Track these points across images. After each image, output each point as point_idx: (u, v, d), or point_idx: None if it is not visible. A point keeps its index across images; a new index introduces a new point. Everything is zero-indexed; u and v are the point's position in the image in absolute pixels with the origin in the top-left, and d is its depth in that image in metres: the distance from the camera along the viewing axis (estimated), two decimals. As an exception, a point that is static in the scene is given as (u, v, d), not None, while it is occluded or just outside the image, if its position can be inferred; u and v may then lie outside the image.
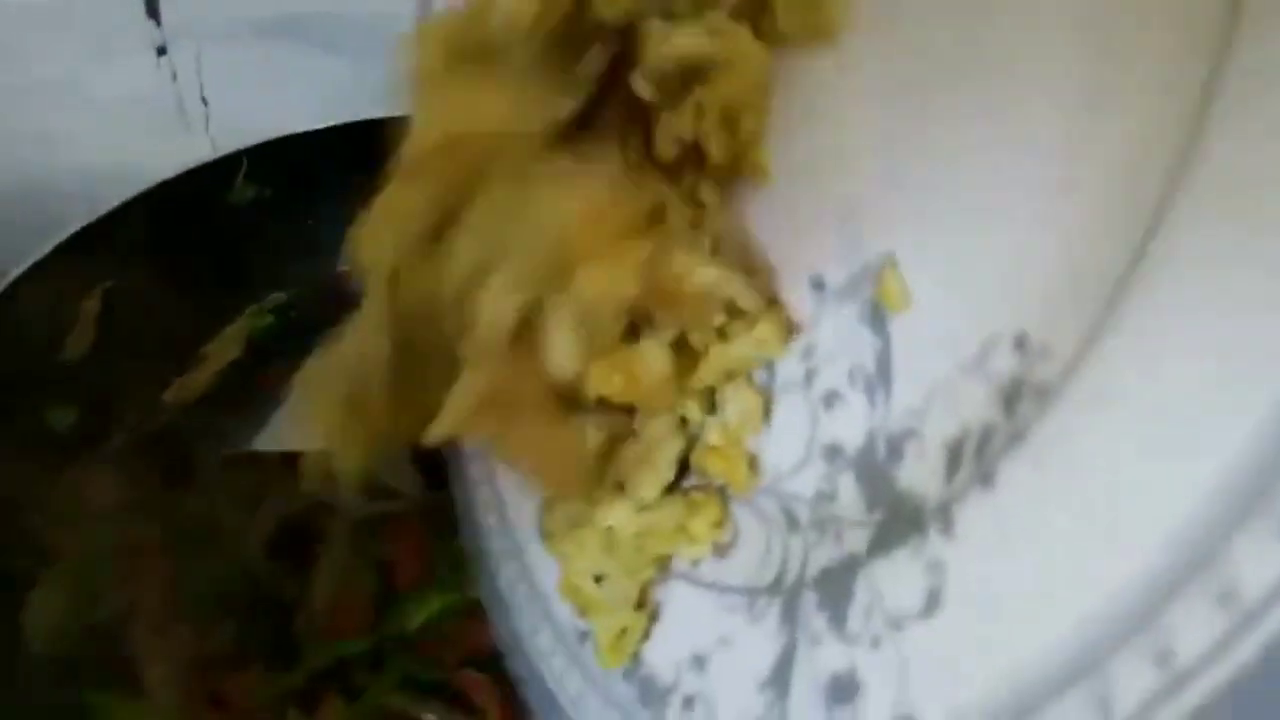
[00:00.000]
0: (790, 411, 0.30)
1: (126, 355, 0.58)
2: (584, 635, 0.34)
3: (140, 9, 0.76)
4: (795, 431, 0.29)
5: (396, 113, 0.59)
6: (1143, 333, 0.19)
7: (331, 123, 0.65)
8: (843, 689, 0.25)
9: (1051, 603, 0.20)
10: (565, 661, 0.35)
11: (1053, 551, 0.21)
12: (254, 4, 0.80)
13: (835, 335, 0.28)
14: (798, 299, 0.29)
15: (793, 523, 0.29)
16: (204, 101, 0.82)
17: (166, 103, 0.81)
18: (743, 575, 0.30)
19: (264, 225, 0.64)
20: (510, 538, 0.39)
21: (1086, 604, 0.19)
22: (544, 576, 0.37)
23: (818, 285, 0.28)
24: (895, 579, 0.25)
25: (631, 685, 0.32)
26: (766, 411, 0.30)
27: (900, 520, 0.25)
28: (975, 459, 0.23)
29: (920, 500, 0.24)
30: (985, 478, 0.23)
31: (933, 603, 0.23)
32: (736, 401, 0.31)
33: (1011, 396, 0.22)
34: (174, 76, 0.80)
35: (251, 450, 0.52)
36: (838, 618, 0.26)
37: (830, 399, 0.28)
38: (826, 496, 0.28)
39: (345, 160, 0.64)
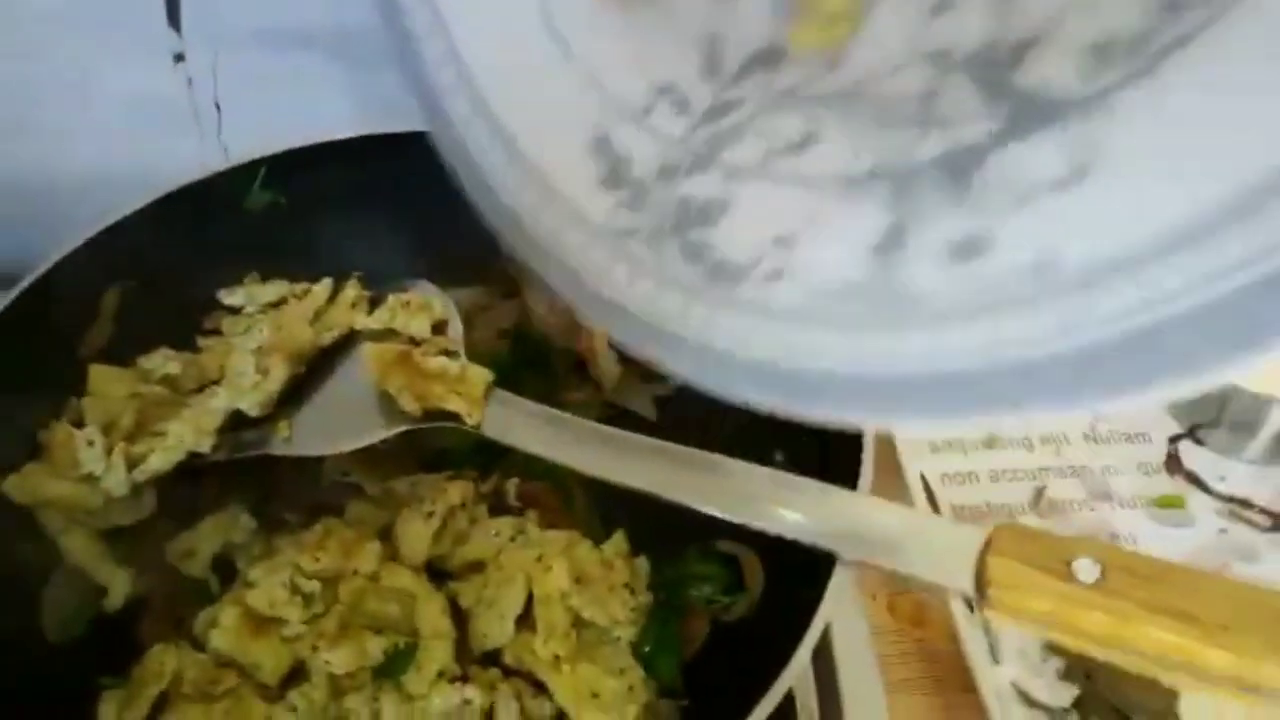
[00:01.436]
0: (892, 14, 0.30)
1: (143, 351, 0.60)
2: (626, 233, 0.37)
3: (161, 16, 0.78)
4: (896, 33, 0.30)
5: (408, 127, 0.62)
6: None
7: (343, 133, 0.67)
8: (968, 247, 0.28)
9: (1215, 169, 0.23)
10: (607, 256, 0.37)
11: (1219, 132, 0.23)
12: (271, 15, 0.81)
13: None
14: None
15: (889, 118, 0.30)
16: (217, 107, 0.84)
17: (181, 107, 0.82)
18: (830, 167, 0.31)
19: (278, 232, 0.66)
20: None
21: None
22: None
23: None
24: (1036, 156, 0.27)
25: (696, 266, 0.34)
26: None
27: (1035, 111, 0.27)
28: (1129, 56, 0.25)
29: (1059, 94, 0.26)
30: (1146, 70, 0.25)
31: (1080, 172, 0.26)
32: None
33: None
34: (189, 82, 0.82)
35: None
36: (961, 193, 0.28)
37: (941, 7, 0.29)
38: (929, 95, 0.29)
39: (359, 173, 0.67)
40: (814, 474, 0.47)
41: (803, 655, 0.43)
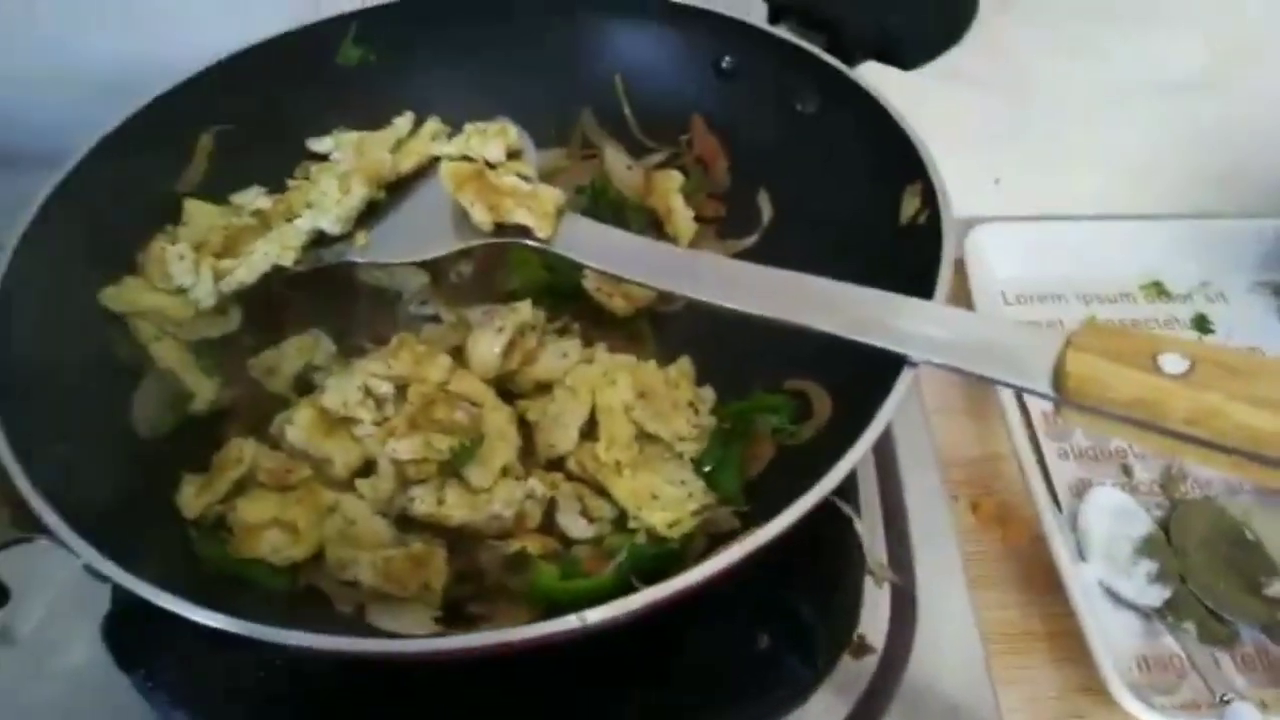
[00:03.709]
0: None
1: (234, 189, 0.62)
2: None
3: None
4: None
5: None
6: None
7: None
8: None
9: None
10: None
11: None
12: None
13: None
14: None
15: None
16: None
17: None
18: None
19: (367, 86, 0.67)
20: None
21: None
22: None
23: None
24: None
25: None
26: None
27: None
28: None
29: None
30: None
31: None
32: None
33: None
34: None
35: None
36: None
37: None
38: None
39: (449, 30, 0.68)
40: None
41: (859, 449, 0.42)
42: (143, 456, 0.52)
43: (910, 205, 0.53)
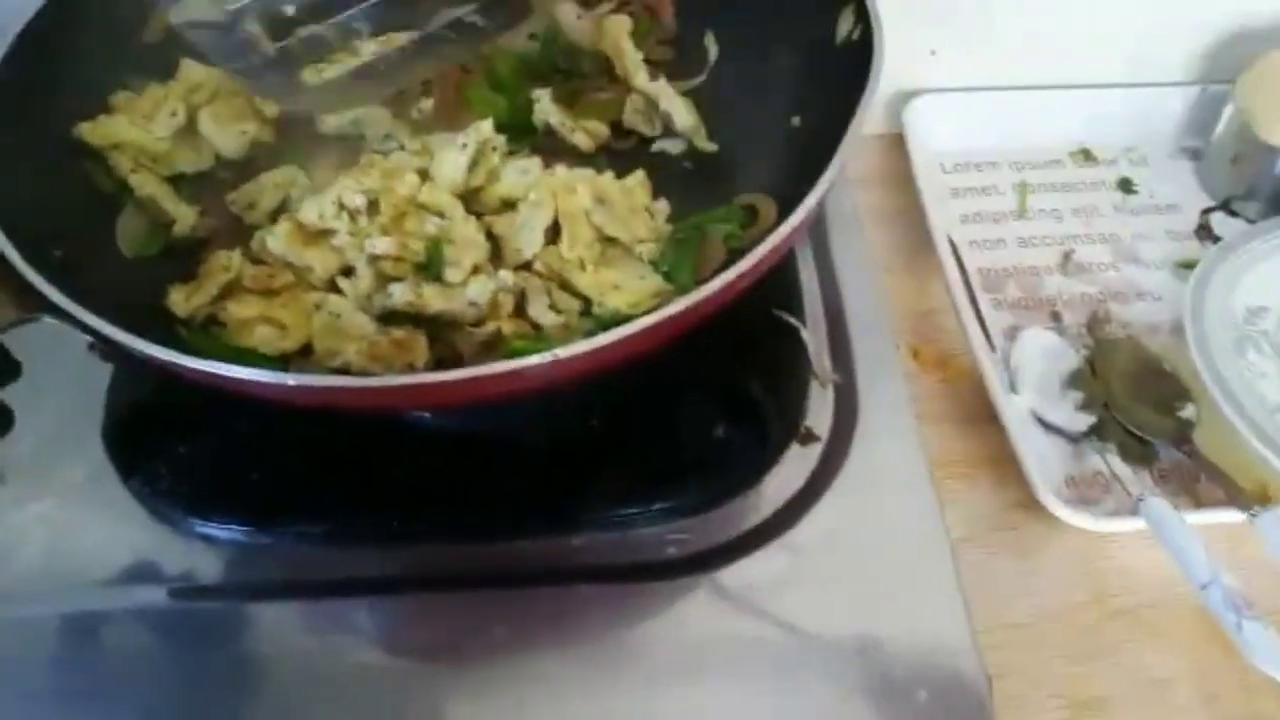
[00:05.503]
0: None
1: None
2: None
3: None
4: None
5: None
6: None
7: None
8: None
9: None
10: None
11: None
12: None
13: None
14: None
15: None
16: None
17: None
18: None
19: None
20: None
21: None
22: None
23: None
24: None
25: None
26: None
27: None
28: None
29: None
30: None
31: None
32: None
33: None
34: None
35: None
36: None
37: None
38: None
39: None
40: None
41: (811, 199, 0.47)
42: (133, 274, 0.55)
43: (845, 25, 0.57)
